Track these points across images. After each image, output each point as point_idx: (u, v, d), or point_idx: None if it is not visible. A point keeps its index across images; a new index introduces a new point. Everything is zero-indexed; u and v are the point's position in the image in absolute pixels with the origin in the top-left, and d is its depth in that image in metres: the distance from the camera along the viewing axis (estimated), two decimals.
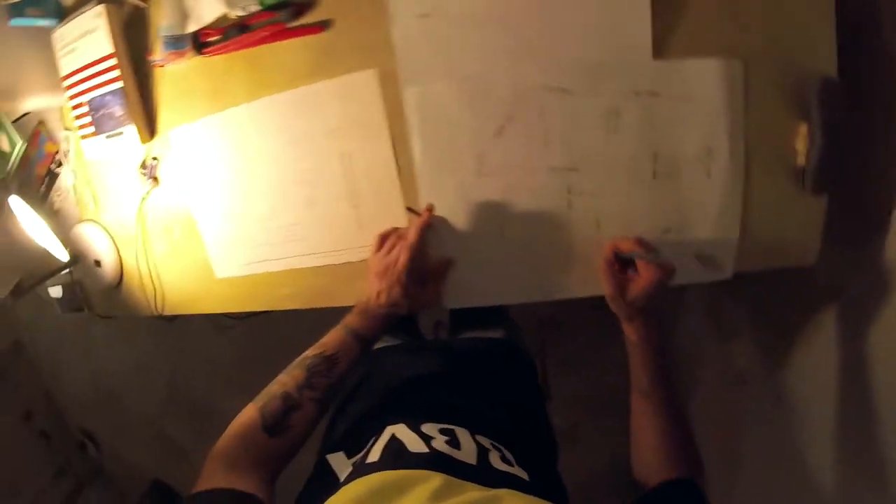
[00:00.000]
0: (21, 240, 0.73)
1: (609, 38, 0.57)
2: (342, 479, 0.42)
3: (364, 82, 0.63)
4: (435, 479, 0.38)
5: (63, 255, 0.73)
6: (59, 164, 0.84)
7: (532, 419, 0.63)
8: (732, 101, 0.56)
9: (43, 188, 0.86)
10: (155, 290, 0.82)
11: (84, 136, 0.78)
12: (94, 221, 0.84)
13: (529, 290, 0.65)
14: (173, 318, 0.84)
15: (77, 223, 0.85)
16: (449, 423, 0.48)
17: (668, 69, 0.56)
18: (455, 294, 0.66)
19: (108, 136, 0.75)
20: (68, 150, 0.83)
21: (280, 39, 0.64)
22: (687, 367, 1.18)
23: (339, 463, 0.46)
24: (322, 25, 0.63)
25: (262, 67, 0.66)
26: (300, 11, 0.63)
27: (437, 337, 1.07)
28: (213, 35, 0.66)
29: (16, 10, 0.70)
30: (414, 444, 0.43)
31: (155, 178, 0.76)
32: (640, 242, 0.56)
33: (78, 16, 0.71)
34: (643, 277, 0.53)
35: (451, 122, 0.62)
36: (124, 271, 0.84)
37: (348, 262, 0.70)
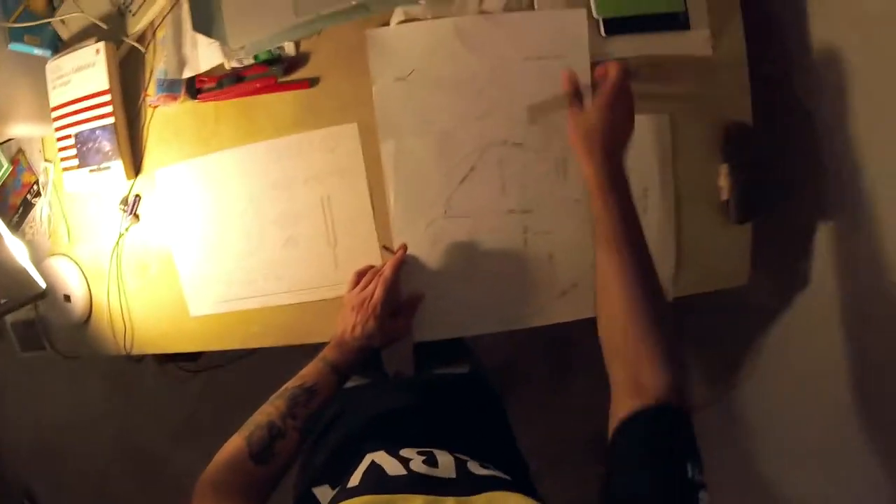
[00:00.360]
0: None
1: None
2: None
3: (346, 134, 0.68)
4: (414, 501, 0.39)
5: (40, 285, 0.72)
6: (36, 195, 0.85)
7: (505, 445, 0.66)
8: (661, 149, 0.65)
9: (16, 218, 0.86)
10: (125, 327, 0.81)
11: (66, 169, 0.79)
12: (66, 255, 0.84)
13: (492, 322, 0.69)
14: (140, 359, 0.83)
15: (48, 256, 0.85)
16: (427, 447, 0.49)
17: None
18: (425, 327, 0.69)
19: (91, 171, 0.77)
20: (47, 182, 0.83)
21: (271, 92, 0.70)
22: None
23: (324, 494, 0.47)
24: (310, 82, 0.69)
25: (252, 116, 0.71)
26: (291, 67, 0.69)
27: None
28: (207, 82, 0.71)
29: (15, 35, 0.73)
30: (392, 468, 0.45)
31: (136, 215, 0.78)
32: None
33: (75, 50, 0.74)
34: (607, 77, 0.54)
35: (422, 171, 0.68)
36: (93, 308, 0.83)
37: (322, 300, 0.72)
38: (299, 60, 0.69)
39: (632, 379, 0.44)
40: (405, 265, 0.67)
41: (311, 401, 0.57)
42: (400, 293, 0.68)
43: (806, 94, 0.67)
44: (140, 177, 0.78)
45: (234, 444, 0.52)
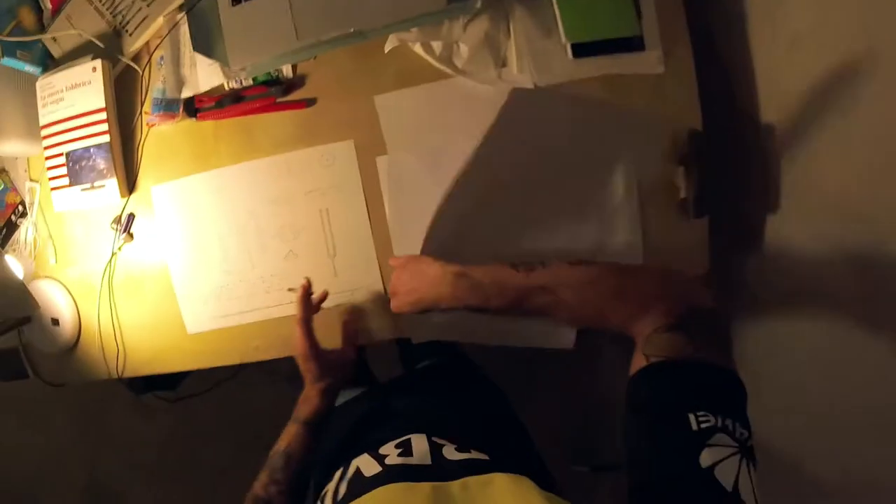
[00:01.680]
0: None
1: None
2: None
3: (343, 150, 0.70)
4: (389, 490, 0.39)
5: (32, 306, 0.67)
6: (21, 216, 0.80)
7: (492, 415, 0.66)
8: (625, 155, 0.69)
9: None
10: (118, 350, 0.77)
11: (56, 188, 0.76)
12: (53, 278, 0.79)
13: (481, 333, 0.67)
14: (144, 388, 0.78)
15: (33, 279, 0.80)
16: (405, 434, 0.49)
17: None
18: (421, 329, 0.69)
19: (84, 189, 0.74)
20: (33, 202, 0.79)
21: (269, 111, 0.70)
22: (608, 404, 1.25)
23: None
24: (307, 102, 0.70)
25: (251, 134, 0.71)
26: (289, 88, 0.70)
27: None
28: (206, 101, 0.70)
29: (8, 50, 0.70)
30: (370, 468, 0.45)
31: (129, 234, 0.75)
32: None
33: (70, 67, 0.72)
34: None
35: (414, 185, 0.69)
36: (82, 331, 0.79)
37: (323, 309, 0.71)
38: (297, 82, 0.70)
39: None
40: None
41: (289, 463, 0.58)
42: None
43: (747, 104, 0.73)
44: (134, 195, 0.75)
45: None
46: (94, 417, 1.69)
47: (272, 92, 0.69)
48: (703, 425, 0.33)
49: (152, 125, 0.73)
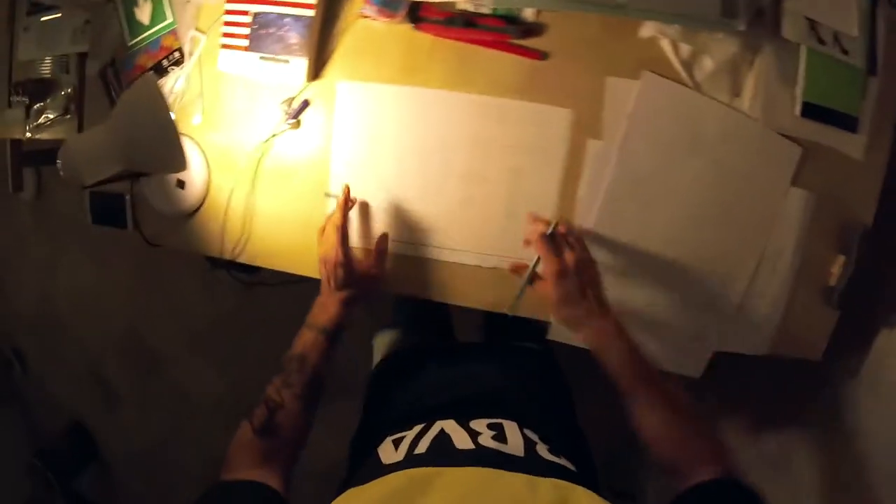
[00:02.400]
0: (134, 127, 0.57)
1: None
2: (388, 462, 0.42)
3: (558, 117, 0.64)
4: (482, 473, 0.38)
5: (181, 161, 0.58)
6: (174, 63, 0.70)
7: (572, 423, 0.65)
8: (803, 221, 0.68)
9: None
10: (242, 232, 0.70)
11: (228, 46, 0.67)
12: (192, 138, 0.70)
13: None
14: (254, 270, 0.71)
15: None
16: (497, 418, 0.48)
17: None
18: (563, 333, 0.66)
19: (263, 58, 0.65)
20: (192, 53, 0.69)
21: (498, 49, 0.64)
22: None
23: (385, 447, 0.46)
24: (541, 54, 0.64)
25: (468, 65, 0.65)
26: (527, 32, 0.64)
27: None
28: (434, 14, 0.63)
29: None
30: (461, 440, 0.44)
31: (297, 120, 0.67)
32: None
33: None
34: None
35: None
36: (207, 202, 0.71)
37: (478, 267, 0.68)
38: (535, 29, 0.64)
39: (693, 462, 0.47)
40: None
41: (304, 367, 0.55)
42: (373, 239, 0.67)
43: None
44: (316, 82, 0.67)
45: (240, 428, 0.52)
46: (157, 272, 1.58)
47: (508, 29, 0.63)
48: None
49: (365, 16, 0.64)
